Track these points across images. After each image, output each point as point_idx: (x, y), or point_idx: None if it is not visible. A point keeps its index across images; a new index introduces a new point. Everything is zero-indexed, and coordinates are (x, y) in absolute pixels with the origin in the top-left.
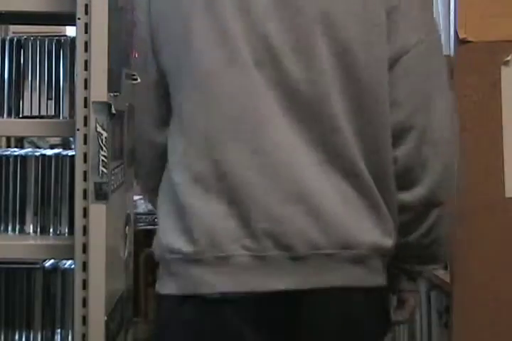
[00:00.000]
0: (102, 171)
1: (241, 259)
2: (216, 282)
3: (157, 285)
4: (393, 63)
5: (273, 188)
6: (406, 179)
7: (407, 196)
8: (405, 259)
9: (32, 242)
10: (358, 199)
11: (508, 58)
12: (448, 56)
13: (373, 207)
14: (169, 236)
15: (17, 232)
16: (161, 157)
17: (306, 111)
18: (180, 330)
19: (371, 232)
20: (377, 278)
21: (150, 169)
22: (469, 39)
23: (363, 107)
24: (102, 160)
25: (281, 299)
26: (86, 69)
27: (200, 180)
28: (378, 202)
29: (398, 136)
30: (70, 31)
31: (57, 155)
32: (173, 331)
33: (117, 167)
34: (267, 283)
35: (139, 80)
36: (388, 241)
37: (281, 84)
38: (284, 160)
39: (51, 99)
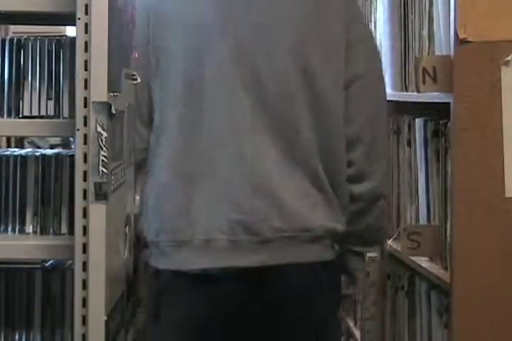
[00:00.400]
0: (102, 171)
1: (220, 243)
2: (200, 260)
3: (152, 260)
4: (348, 85)
5: (245, 186)
6: (356, 176)
7: (358, 188)
8: (353, 242)
9: (32, 242)
10: (315, 194)
11: (508, 58)
12: (448, 56)
13: (328, 200)
14: (157, 223)
15: (17, 232)
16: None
17: (280, 125)
18: (174, 296)
19: (324, 219)
20: (329, 254)
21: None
22: (469, 39)
23: (324, 122)
24: (102, 160)
25: (253, 274)
26: (86, 69)
27: (186, 179)
28: (332, 197)
29: (351, 143)
30: (70, 31)
31: (57, 155)
32: (169, 297)
33: (117, 167)
34: (240, 260)
35: (138, 80)
36: (338, 226)
37: (262, 103)
38: (257, 166)
39: (51, 99)
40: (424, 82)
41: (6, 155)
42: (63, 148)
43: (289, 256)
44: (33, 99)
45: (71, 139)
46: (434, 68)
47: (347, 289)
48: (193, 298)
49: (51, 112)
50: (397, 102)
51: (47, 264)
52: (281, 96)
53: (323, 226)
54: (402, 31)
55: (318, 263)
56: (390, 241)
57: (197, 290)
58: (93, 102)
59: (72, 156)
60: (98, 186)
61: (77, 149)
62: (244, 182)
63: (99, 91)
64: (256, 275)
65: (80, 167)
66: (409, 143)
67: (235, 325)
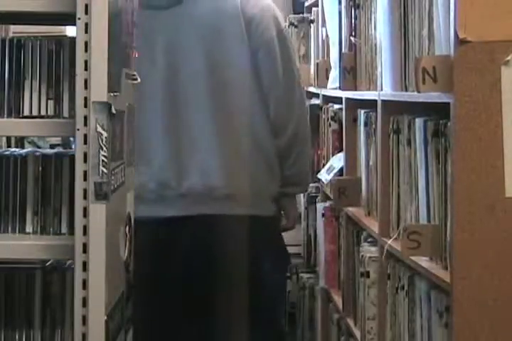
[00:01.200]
0: (102, 171)
1: (150, 197)
2: (139, 210)
3: None
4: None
5: (168, 156)
6: (277, 130)
7: (279, 141)
8: (285, 185)
9: (32, 242)
10: (233, 159)
11: (508, 58)
12: (448, 56)
13: (254, 164)
14: None
15: (17, 232)
16: None
17: (209, 99)
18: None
19: (234, 179)
20: (243, 209)
21: None
22: (469, 39)
23: (239, 87)
24: (102, 160)
25: (176, 221)
26: (86, 69)
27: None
28: (259, 160)
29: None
30: (70, 31)
31: (57, 155)
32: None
33: (117, 167)
34: (163, 211)
35: (139, 80)
36: (256, 187)
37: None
38: (181, 138)
39: (51, 98)
40: (424, 82)
41: (6, 155)
42: (63, 147)
43: (201, 209)
44: (33, 99)
45: (71, 139)
46: (434, 68)
47: (285, 223)
48: (140, 234)
49: (51, 112)
50: (397, 102)
51: (47, 264)
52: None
53: (230, 185)
54: (402, 31)
55: (227, 216)
56: (390, 241)
57: (141, 229)
58: (93, 102)
59: (72, 156)
60: (98, 186)
61: (77, 149)
62: (165, 154)
63: (99, 91)
64: (178, 222)
65: (80, 167)
66: (409, 143)
67: (167, 257)
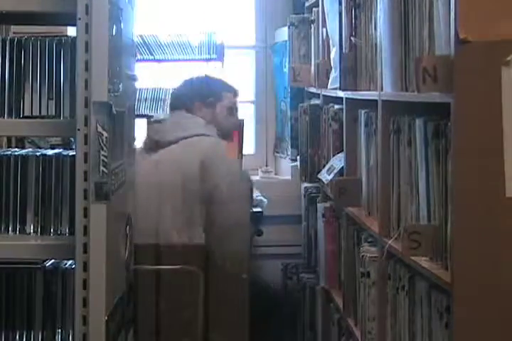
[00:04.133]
0: (103, 171)
1: None
2: None
3: None
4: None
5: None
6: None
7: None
8: None
9: (32, 242)
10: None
11: (508, 58)
12: (448, 56)
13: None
14: None
15: (17, 232)
16: None
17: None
18: None
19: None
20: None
21: None
22: (469, 39)
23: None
24: (103, 160)
25: None
26: (86, 69)
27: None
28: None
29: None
30: (71, 31)
31: (57, 155)
32: None
33: (118, 167)
34: None
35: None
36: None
37: None
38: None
39: (52, 99)
40: (424, 82)
41: (7, 155)
42: (64, 148)
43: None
44: (33, 99)
45: (72, 139)
46: (434, 68)
47: None
48: None
49: (52, 112)
50: (397, 102)
51: (47, 264)
52: None
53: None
54: (402, 31)
55: None
56: (390, 242)
57: None
58: (94, 102)
59: (72, 156)
60: (99, 186)
61: (78, 149)
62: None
63: (100, 91)
64: None
65: (80, 167)
66: (409, 143)
67: None
